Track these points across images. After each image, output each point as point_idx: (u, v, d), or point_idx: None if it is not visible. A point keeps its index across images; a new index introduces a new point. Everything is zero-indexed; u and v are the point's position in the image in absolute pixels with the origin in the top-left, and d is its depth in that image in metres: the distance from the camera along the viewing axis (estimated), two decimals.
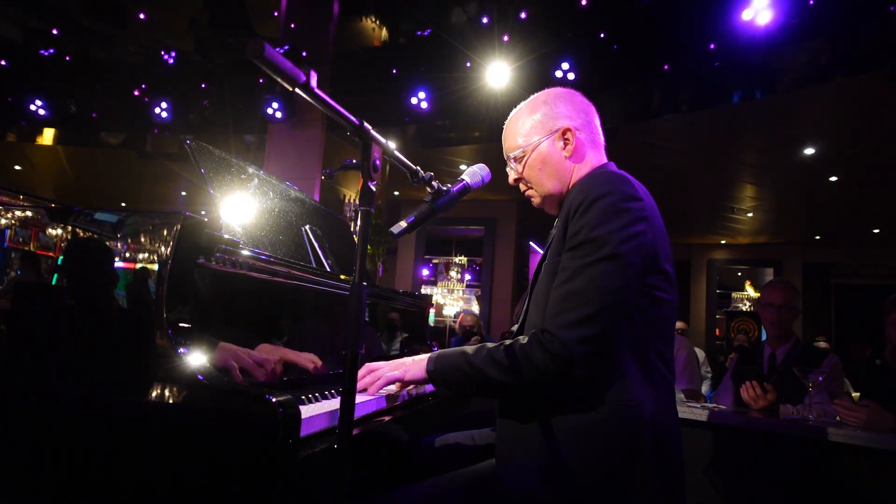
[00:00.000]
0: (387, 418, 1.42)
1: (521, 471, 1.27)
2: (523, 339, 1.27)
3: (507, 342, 1.29)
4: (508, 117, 1.55)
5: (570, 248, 1.27)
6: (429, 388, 1.77)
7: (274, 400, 0.99)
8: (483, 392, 1.41)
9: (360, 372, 1.42)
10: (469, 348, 1.32)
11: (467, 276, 10.40)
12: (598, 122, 1.52)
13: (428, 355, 1.39)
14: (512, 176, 1.54)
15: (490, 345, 1.30)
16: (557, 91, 1.52)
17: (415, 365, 1.39)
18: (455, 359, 1.33)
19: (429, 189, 1.37)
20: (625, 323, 1.25)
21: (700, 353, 5.17)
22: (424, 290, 9.82)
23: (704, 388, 4.88)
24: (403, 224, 1.27)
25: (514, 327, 1.52)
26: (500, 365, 1.26)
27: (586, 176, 1.42)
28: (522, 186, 1.54)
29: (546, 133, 1.46)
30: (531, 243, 10.32)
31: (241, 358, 1.23)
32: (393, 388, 1.44)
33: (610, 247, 1.22)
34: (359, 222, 1.04)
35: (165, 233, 1.13)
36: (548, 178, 1.46)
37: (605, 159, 1.50)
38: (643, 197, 1.32)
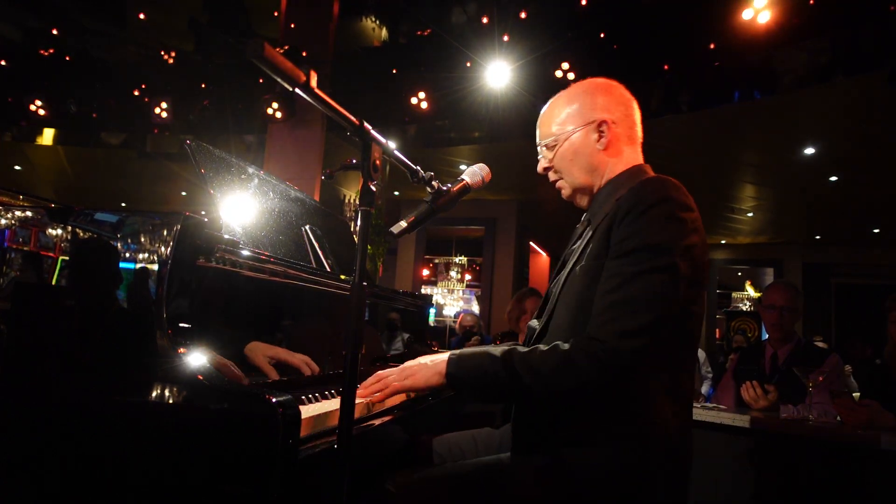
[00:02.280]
0: (387, 418, 1.42)
1: (535, 478, 1.24)
2: (565, 346, 1.17)
3: (544, 347, 1.21)
4: (546, 104, 1.50)
5: (620, 253, 1.21)
6: None
7: (274, 400, 0.99)
8: (509, 400, 1.32)
9: (370, 380, 1.35)
10: (495, 350, 1.23)
11: (467, 276, 10.39)
12: (638, 117, 1.47)
13: (445, 357, 1.27)
14: (542, 164, 1.49)
15: (521, 348, 1.23)
16: (598, 82, 1.47)
17: (428, 369, 1.27)
18: (481, 361, 1.22)
19: (429, 189, 1.36)
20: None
21: (700, 354, 5.17)
22: (424, 290, 9.81)
23: (704, 389, 4.88)
24: (403, 224, 1.27)
25: (536, 323, 1.44)
26: (538, 372, 1.17)
27: (634, 176, 1.36)
28: (552, 176, 1.49)
29: (581, 123, 1.41)
30: (531, 243, 10.31)
31: None
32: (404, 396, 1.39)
33: (667, 257, 1.18)
34: (359, 222, 1.04)
35: (165, 233, 1.13)
36: (579, 169, 1.42)
37: (640, 158, 1.46)
38: (694, 207, 1.28)
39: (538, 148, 1.50)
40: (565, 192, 1.49)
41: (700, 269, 1.26)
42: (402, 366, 1.34)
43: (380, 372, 1.36)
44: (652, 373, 1.22)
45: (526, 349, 1.23)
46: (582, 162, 1.42)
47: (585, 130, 1.41)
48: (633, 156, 1.45)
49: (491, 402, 1.25)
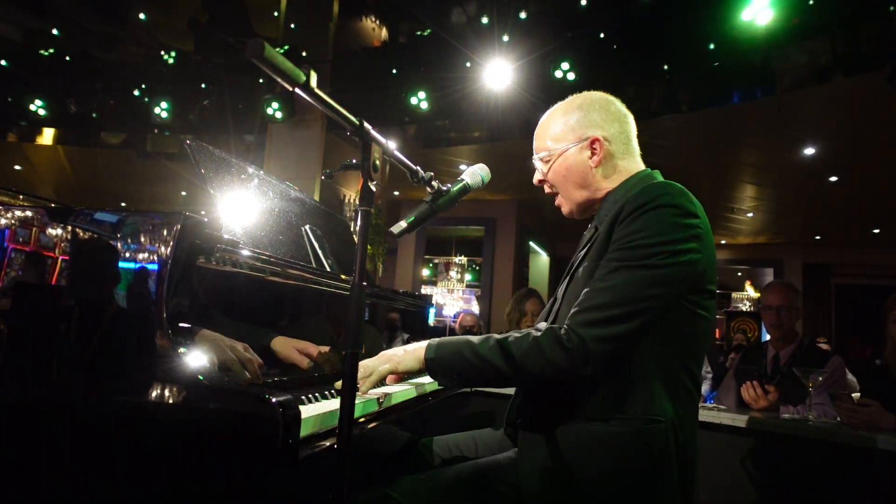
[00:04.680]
0: (387, 419, 1.42)
1: (540, 476, 1.25)
2: (537, 332, 1.23)
3: (517, 333, 1.26)
4: (543, 115, 1.51)
5: (613, 250, 1.25)
6: (425, 380, 1.76)
7: (274, 400, 0.99)
8: (485, 384, 1.35)
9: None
10: (474, 337, 1.28)
11: (467, 276, 10.39)
12: (633, 130, 1.48)
13: (425, 343, 1.33)
14: (537, 177, 1.52)
15: (497, 335, 1.27)
16: (594, 97, 1.47)
17: (409, 355, 1.33)
18: (458, 346, 1.28)
19: (429, 189, 1.36)
20: (657, 337, 1.23)
21: None
22: (424, 290, 9.80)
23: (704, 389, 4.88)
24: (403, 224, 1.27)
25: (544, 325, 1.48)
26: (509, 356, 1.22)
27: (642, 181, 1.38)
28: (547, 188, 1.51)
29: (574, 140, 1.43)
30: (531, 243, 10.31)
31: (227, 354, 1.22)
32: (389, 381, 1.41)
33: (655, 258, 1.20)
34: (359, 222, 1.03)
35: (165, 233, 1.13)
36: (573, 185, 1.44)
37: (641, 166, 1.47)
38: (700, 214, 1.29)
39: (534, 160, 1.52)
40: (565, 209, 1.51)
41: (702, 275, 1.26)
42: (381, 353, 1.38)
43: (361, 362, 1.37)
44: (646, 372, 1.23)
45: (503, 335, 1.26)
46: (575, 178, 1.44)
47: (578, 147, 1.43)
48: (632, 166, 1.46)
49: (467, 385, 1.28)
